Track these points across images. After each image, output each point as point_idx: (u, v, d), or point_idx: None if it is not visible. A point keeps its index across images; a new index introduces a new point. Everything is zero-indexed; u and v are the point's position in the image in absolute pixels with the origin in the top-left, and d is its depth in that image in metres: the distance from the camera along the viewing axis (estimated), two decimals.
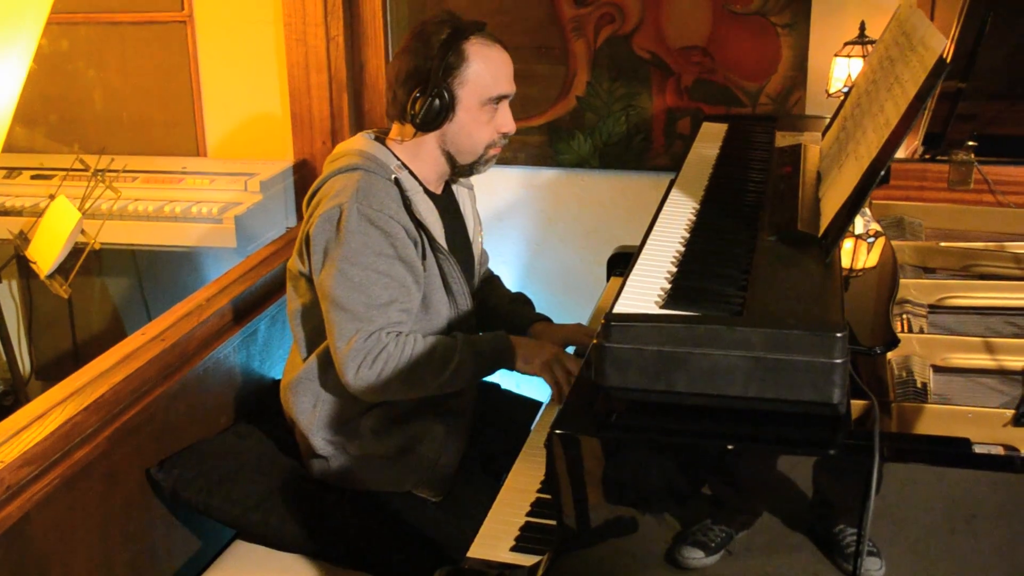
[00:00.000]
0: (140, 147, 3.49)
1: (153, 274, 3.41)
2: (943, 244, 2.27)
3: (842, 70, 2.70)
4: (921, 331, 1.90)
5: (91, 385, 2.12)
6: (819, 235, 1.69)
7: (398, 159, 2.20)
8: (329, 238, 2.10)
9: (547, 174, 3.35)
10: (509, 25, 3.14)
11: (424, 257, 2.16)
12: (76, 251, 2.83)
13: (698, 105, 3.11)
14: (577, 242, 3.37)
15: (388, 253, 2.09)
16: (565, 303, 3.30)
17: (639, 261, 1.66)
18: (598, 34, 3.13)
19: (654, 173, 3.20)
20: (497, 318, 2.42)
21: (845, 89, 2.71)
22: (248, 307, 2.65)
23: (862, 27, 2.73)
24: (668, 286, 1.55)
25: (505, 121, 2.22)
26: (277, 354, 2.75)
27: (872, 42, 2.71)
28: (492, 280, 2.56)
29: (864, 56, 2.68)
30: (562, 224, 3.38)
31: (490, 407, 2.46)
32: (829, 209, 1.76)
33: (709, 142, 2.48)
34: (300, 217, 3.31)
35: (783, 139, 2.45)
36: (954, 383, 1.75)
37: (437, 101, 2.12)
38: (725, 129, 2.59)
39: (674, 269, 1.63)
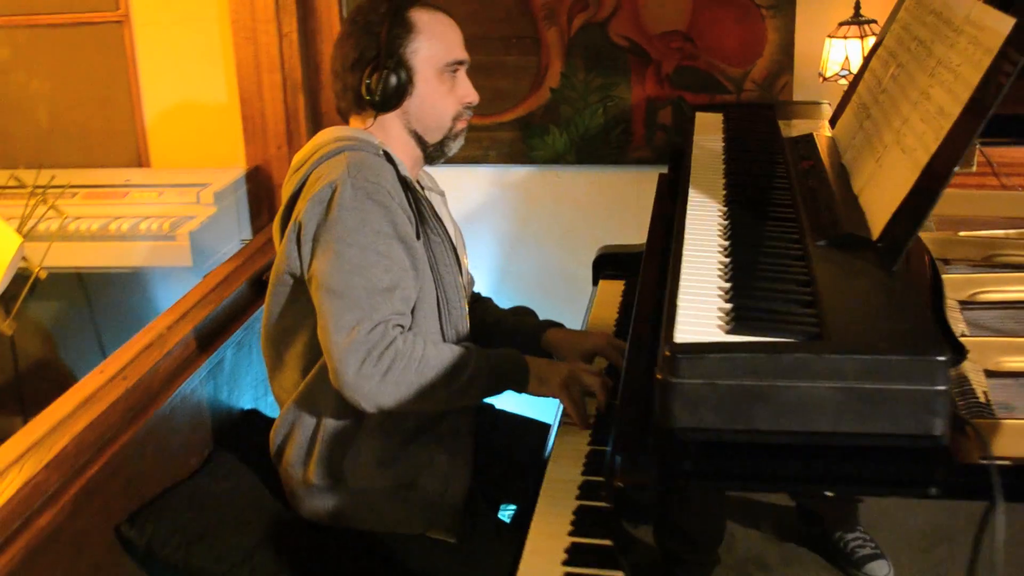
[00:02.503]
0: (76, 159, 3.24)
1: (102, 299, 3.14)
2: (962, 234, 2.13)
3: (839, 52, 2.55)
4: (963, 335, 1.75)
5: (50, 437, 1.89)
6: (874, 238, 1.53)
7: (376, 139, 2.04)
8: (320, 220, 1.90)
9: (520, 172, 3.17)
10: (476, 14, 2.96)
11: (417, 237, 1.97)
12: (18, 278, 2.57)
13: (680, 93, 2.95)
14: (554, 243, 3.20)
15: (387, 232, 1.90)
16: (543, 307, 3.09)
17: (683, 277, 1.48)
18: (572, 21, 2.95)
19: (635, 167, 3.04)
20: (504, 333, 2.23)
21: (843, 72, 2.55)
22: (212, 333, 2.42)
23: (857, 6, 2.59)
24: (725, 305, 1.38)
25: (467, 91, 2.07)
26: (245, 381, 2.53)
27: (870, 22, 2.56)
28: (485, 301, 2.37)
29: (862, 37, 2.53)
30: (537, 224, 3.20)
31: (490, 430, 2.27)
32: (877, 207, 1.60)
33: (708, 134, 2.31)
34: (256, 229, 3.08)
35: (787, 128, 2.29)
36: (1009, 388, 1.60)
37: (393, 76, 1.98)
38: (721, 119, 2.43)
39: (725, 285, 1.45)
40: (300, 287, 1.99)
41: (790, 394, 1.20)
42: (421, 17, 2.01)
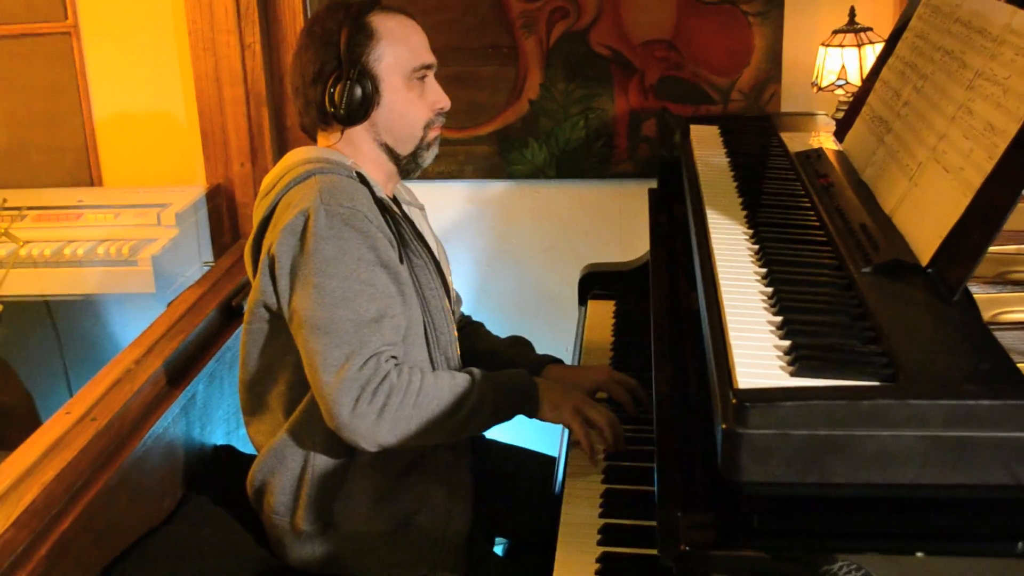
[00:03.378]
0: (21, 179, 3.03)
1: (58, 329, 2.95)
2: None
3: (834, 61, 2.46)
4: None
5: (16, 490, 1.72)
6: (923, 264, 1.44)
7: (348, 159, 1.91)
8: (295, 252, 1.77)
9: (498, 187, 3.04)
10: (451, 23, 2.82)
11: (400, 261, 1.83)
12: None
13: (664, 104, 2.84)
14: (534, 261, 3.08)
15: (368, 258, 1.76)
16: (524, 328, 2.96)
17: (727, 311, 1.37)
18: (551, 30, 2.83)
19: (617, 181, 2.93)
20: (498, 365, 2.10)
21: (839, 82, 2.46)
22: (183, 367, 2.26)
23: (852, 13, 2.50)
24: (781, 343, 1.27)
25: (437, 96, 1.94)
26: (217, 415, 2.37)
27: (866, 29, 2.47)
28: (476, 325, 2.24)
29: (859, 45, 2.44)
30: (516, 242, 3.08)
31: (485, 462, 2.14)
32: (921, 231, 1.50)
33: (708, 149, 2.21)
34: (218, 251, 2.92)
35: (791, 141, 2.20)
36: None
37: (358, 87, 1.85)
38: (718, 132, 2.33)
39: (775, 319, 1.34)
40: (279, 322, 1.85)
41: (870, 444, 1.11)
42: (382, 22, 1.88)
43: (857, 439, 1.10)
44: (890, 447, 1.10)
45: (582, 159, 2.94)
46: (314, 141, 1.97)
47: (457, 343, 2.00)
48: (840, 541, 1.14)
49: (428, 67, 1.93)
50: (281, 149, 2.90)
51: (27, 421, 2.77)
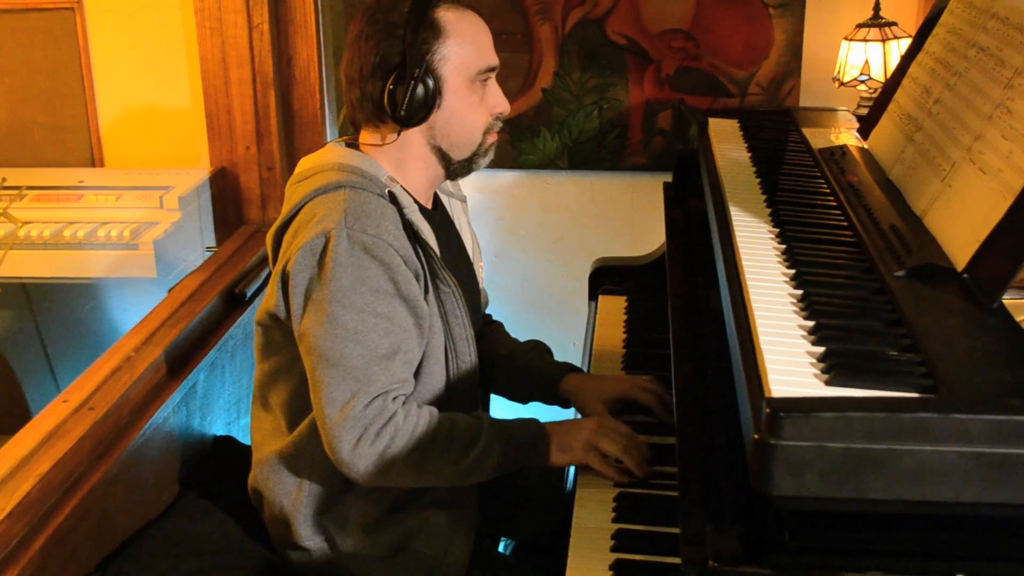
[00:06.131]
0: (21, 158, 2.97)
1: (53, 314, 2.88)
2: None
3: (858, 56, 2.40)
4: None
5: (11, 481, 1.66)
6: (959, 269, 1.38)
7: (385, 170, 1.81)
8: (312, 275, 1.69)
9: (507, 177, 2.98)
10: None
11: (426, 292, 1.76)
12: None
13: (680, 96, 2.78)
14: (543, 254, 3.02)
15: (387, 290, 1.68)
16: (531, 323, 2.95)
17: (757, 314, 1.31)
18: (566, 17, 2.77)
19: (630, 173, 2.87)
20: (517, 371, 2.04)
21: (862, 77, 2.40)
22: (184, 355, 2.20)
23: (877, 7, 2.44)
24: (814, 349, 1.21)
25: (498, 100, 1.84)
26: (217, 406, 2.31)
27: (890, 24, 2.41)
28: (496, 325, 2.17)
29: (883, 40, 2.38)
30: (525, 234, 3.02)
31: None
32: (956, 234, 1.44)
33: (728, 143, 2.15)
34: (221, 237, 2.86)
35: (813, 137, 2.14)
36: None
37: (421, 87, 1.73)
38: (737, 126, 2.27)
39: (807, 323, 1.28)
40: (287, 334, 1.78)
41: (909, 459, 1.06)
42: (450, 18, 1.76)
43: (896, 454, 1.05)
44: (930, 463, 1.05)
45: (594, 150, 2.88)
46: (358, 133, 1.88)
47: (477, 368, 1.90)
48: (876, 560, 1.09)
49: (493, 69, 1.83)
50: (288, 132, 2.85)
51: (16, 406, 2.72)
